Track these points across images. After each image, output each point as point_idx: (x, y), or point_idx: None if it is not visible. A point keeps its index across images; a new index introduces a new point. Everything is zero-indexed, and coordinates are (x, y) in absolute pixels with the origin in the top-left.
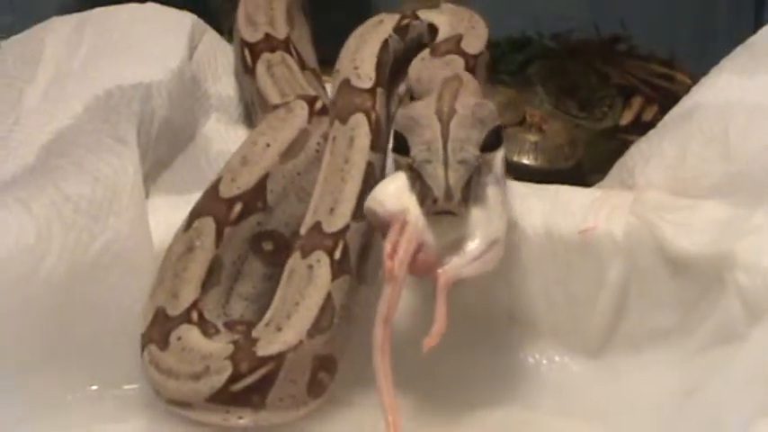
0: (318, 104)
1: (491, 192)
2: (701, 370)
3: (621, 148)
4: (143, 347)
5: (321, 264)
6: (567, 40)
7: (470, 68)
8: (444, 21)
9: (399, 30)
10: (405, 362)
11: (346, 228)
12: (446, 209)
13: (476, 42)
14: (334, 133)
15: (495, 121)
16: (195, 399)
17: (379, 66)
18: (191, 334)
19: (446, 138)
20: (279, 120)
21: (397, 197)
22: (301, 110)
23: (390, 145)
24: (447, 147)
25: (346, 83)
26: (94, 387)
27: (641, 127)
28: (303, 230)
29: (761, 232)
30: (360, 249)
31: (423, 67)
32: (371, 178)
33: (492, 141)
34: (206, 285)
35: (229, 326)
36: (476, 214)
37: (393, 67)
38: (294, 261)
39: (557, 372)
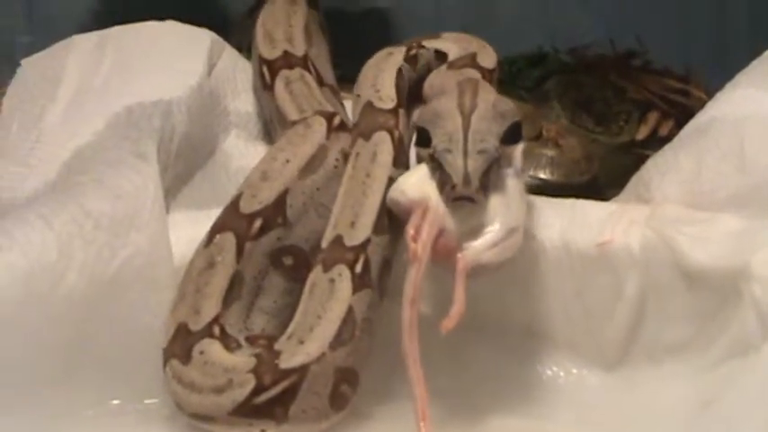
0: (336, 120)
1: (510, 183)
2: (717, 383)
3: (638, 163)
4: (165, 362)
5: (342, 277)
6: (583, 55)
7: (487, 81)
8: (451, 45)
9: (409, 59)
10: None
11: (367, 241)
12: (465, 194)
13: (489, 59)
14: (358, 149)
15: (515, 116)
16: (218, 412)
17: (399, 89)
18: (213, 348)
19: (467, 129)
20: (298, 136)
21: (419, 186)
22: (320, 126)
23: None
24: (468, 137)
25: (369, 104)
26: (116, 401)
27: (657, 142)
28: (324, 244)
29: None
30: (381, 263)
31: (436, 76)
32: None
33: (512, 135)
34: (227, 300)
35: (251, 340)
36: (495, 202)
37: (408, 95)
38: (316, 274)
39: (574, 384)
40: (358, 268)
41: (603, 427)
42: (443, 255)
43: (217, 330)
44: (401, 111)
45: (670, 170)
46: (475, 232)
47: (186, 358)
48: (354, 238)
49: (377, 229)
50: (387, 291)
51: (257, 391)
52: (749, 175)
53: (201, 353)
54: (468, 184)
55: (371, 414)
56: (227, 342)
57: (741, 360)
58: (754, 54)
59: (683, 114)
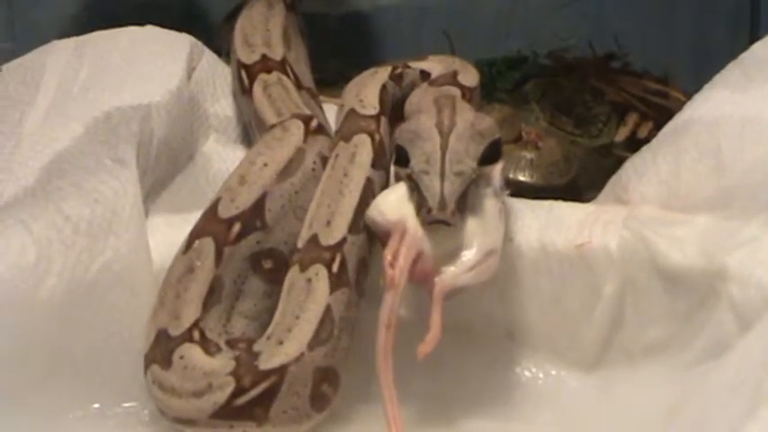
0: (314, 123)
1: (488, 203)
2: (694, 382)
3: (617, 165)
4: (146, 368)
5: (319, 277)
6: (562, 57)
7: (467, 100)
8: (435, 65)
9: (394, 77)
10: (403, 377)
11: (343, 240)
12: (440, 219)
13: (470, 78)
14: (337, 151)
15: (494, 134)
16: (199, 416)
17: (382, 101)
18: (193, 352)
19: (445, 150)
20: (275, 139)
21: (397, 207)
22: (297, 129)
23: (392, 159)
24: (445, 158)
25: (352, 111)
26: (96, 405)
27: (636, 144)
28: (300, 243)
29: (753, 245)
30: (357, 262)
31: (416, 94)
32: (370, 194)
33: (491, 154)
34: (207, 305)
35: (231, 344)
36: (472, 225)
37: (392, 113)
38: (293, 274)
39: (553, 386)
40: (335, 268)
41: (581, 428)
42: (420, 278)
43: (197, 335)
44: (383, 118)
45: (648, 171)
46: (452, 255)
47: (167, 363)
48: (330, 237)
49: (353, 228)
50: (364, 290)
51: (237, 393)
52: (726, 176)
53: (181, 357)
54: (443, 209)
55: (351, 416)
56: (207, 346)
57: (717, 360)
58: (733, 56)
59: (661, 116)
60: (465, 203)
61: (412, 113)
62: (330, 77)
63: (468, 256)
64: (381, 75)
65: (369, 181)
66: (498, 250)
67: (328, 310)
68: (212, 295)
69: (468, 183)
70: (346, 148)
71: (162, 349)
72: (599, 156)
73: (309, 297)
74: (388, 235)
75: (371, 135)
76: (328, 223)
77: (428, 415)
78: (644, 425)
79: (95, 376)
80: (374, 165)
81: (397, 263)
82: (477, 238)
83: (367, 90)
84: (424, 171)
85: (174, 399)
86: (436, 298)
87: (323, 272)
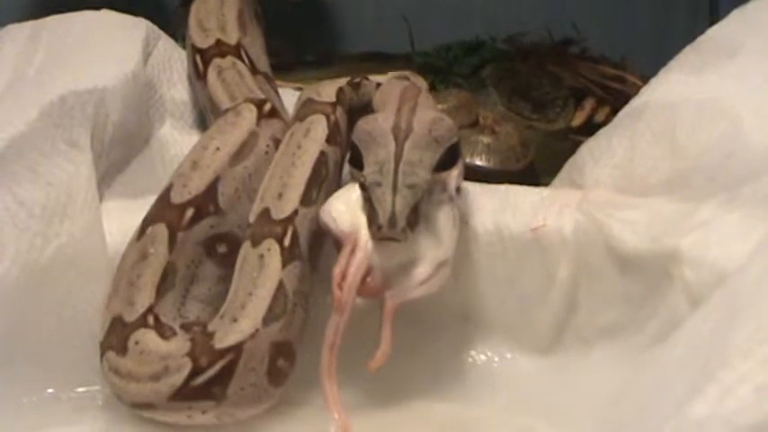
0: (267, 107)
1: (442, 211)
2: (644, 364)
3: (574, 149)
4: (102, 355)
5: (271, 252)
6: (520, 42)
7: None
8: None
9: (352, 84)
10: (356, 360)
11: (295, 213)
12: (390, 237)
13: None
14: (292, 130)
15: (451, 139)
16: (157, 399)
17: (339, 96)
18: (148, 337)
19: (399, 159)
20: (228, 123)
21: (350, 216)
22: (249, 113)
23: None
24: (398, 169)
25: (309, 99)
26: (50, 390)
27: (593, 128)
28: (252, 218)
29: (706, 227)
30: (310, 235)
31: (385, 85)
32: (324, 168)
33: (447, 160)
34: (161, 290)
35: (186, 327)
36: (424, 237)
37: (348, 116)
38: (245, 250)
39: (508, 369)
40: (286, 242)
41: (536, 411)
42: (370, 294)
43: (151, 320)
44: (340, 108)
45: (603, 155)
46: (403, 269)
47: (122, 350)
48: (281, 210)
49: (305, 200)
50: (318, 264)
51: (194, 373)
52: (681, 158)
53: (137, 343)
54: (394, 226)
55: (306, 401)
56: (162, 330)
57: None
58: (693, 41)
59: (619, 101)
60: (417, 215)
61: (378, 104)
62: (287, 62)
63: (420, 269)
64: (340, 81)
65: (322, 155)
66: (450, 260)
67: (281, 285)
68: (166, 281)
69: (421, 194)
70: (301, 126)
71: (117, 336)
72: (556, 140)
73: (262, 273)
74: (340, 243)
75: (327, 115)
76: (280, 196)
77: (382, 398)
78: (596, 407)
79: (49, 361)
80: (329, 140)
81: (345, 284)
82: (429, 251)
83: (325, 87)
84: (377, 182)
85: (132, 384)
86: (387, 315)
87: (275, 247)
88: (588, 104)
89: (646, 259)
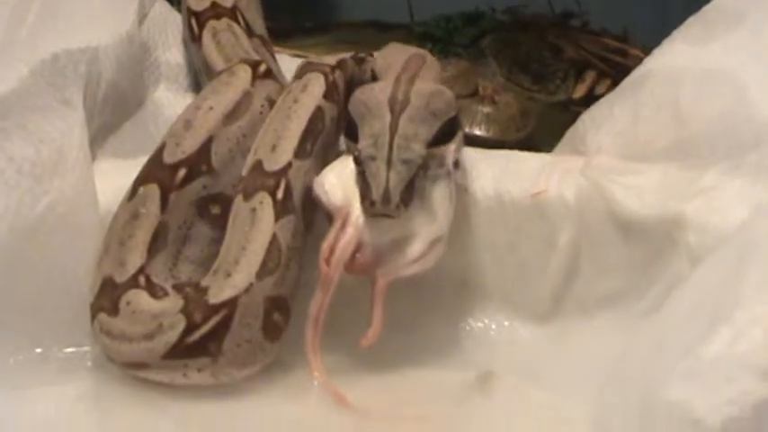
0: (262, 68)
1: (438, 187)
2: (645, 334)
3: (573, 121)
4: (93, 317)
5: (264, 205)
6: (521, 14)
7: None
8: None
9: (356, 58)
10: (352, 327)
11: (288, 165)
12: (383, 213)
13: None
14: (289, 88)
15: (450, 112)
16: (151, 358)
17: (342, 62)
18: (139, 297)
19: (394, 132)
20: (222, 83)
21: (342, 189)
22: (244, 73)
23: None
24: (393, 143)
25: (309, 62)
26: (38, 350)
27: (594, 101)
28: (245, 171)
29: (710, 193)
30: (304, 189)
31: (390, 48)
32: (320, 122)
33: (444, 134)
34: (152, 250)
35: (178, 288)
36: (418, 213)
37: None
38: (237, 204)
39: (506, 336)
40: (279, 194)
41: (532, 378)
42: (360, 271)
43: (142, 280)
44: (339, 72)
45: (605, 122)
46: (395, 246)
47: (114, 310)
48: (275, 162)
49: (299, 153)
50: (313, 221)
51: (189, 330)
52: (684, 126)
53: (128, 303)
54: (387, 202)
55: (295, 363)
56: (154, 291)
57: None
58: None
59: (620, 74)
60: (412, 191)
61: (382, 69)
62: (284, 29)
63: (413, 246)
64: (343, 54)
65: (319, 109)
66: (445, 236)
67: (274, 239)
68: (157, 241)
69: (416, 170)
70: (298, 83)
71: (108, 297)
72: (556, 112)
73: (254, 227)
74: (332, 215)
75: (325, 74)
76: (273, 148)
77: (376, 365)
78: (596, 374)
79: (38, 320)
80: (326, 96)
81: (333, 258)
82: (423, 227)
83: (327, 57)
84: (371, 156)
85: (125, 344)
86: (378, 293)
87: (267, 200)
88: (589, 77)
89: (649, 225)
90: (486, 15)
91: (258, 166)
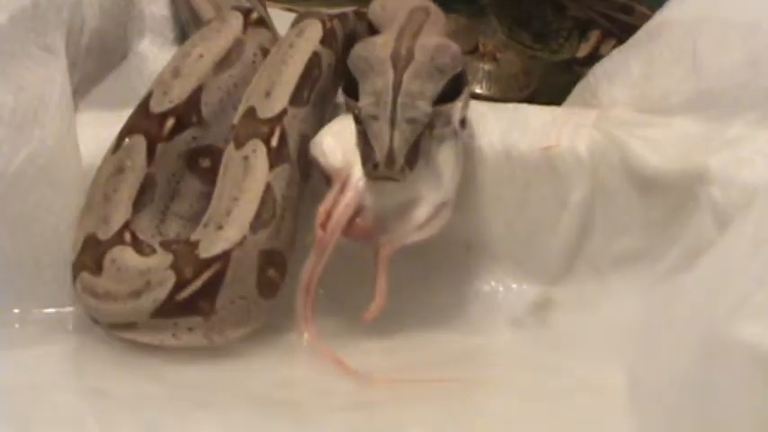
0: (254, 15)
1: (445, 147)
2: (668, 295)
3: (578, 81)
4: (75, 277)
5: (257, 153)
6: None
7: None
8: None
9: (358, 13)
10: (355, 292)
11: (284, 112)
12: (387, 176)
13: None
14: (286, 36)
15: (456, 67)
16: (139, 317)
17: (342, 14)
18: (125, 254)
19: (397, 90)
20: (212, 30)
21: (342, 151)
22: (235, 20)
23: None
24: (397, 101)
25: (306, 12)
26: (16, 310)
27: (599, 60)
28: (236, 119)
29: (736, 145)
30: (299, 137)
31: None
32: (317, 69)
33: (451, 91)
34: (138, 205)
35: (165, 245)
36: (424, 175)
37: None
38: (228, 153)
39: (514, 299)
40: (274, 142)
41: (543, 344)
42: (360, 236)
43: (128, 237)
44: (337, 21)
45: (619, 74)
46: (399, 210)
47: (97, 269)
48: (269, 109)
49: (295, 100)
50: (310, 172)
51: (179, 286)
52: (704, 78)
53: (113, 261)
54: (391, 164)
55: (289, 327)
56: (140, 247)
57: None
58: None
59: (625, 33)
60: (417, 151)
61: (382, 22)
62: None
63: (419, 211)
64: (344, 9)
65: (315, 55)
66: (452, 201)
67: (269, 188)
68: (144, 195)
69: (421, 129)
70: (294, 29)
71: (91, 255)
72: (559, 71)
73: (247, 176)
74: (330, 179)
75: (323, 21)
76: (267, 94)
77: (377, 330)
78: (612, 340)
79: (16, 278)
80: (323, 42)
81: (329, 223)
82: (429, 191)
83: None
84: (373, 116)
85: (110, 303)
86: (382, 262)
87: (261, 147)
88: (593, 36)
89: (669, 180)
90: None
91: (251, 112)
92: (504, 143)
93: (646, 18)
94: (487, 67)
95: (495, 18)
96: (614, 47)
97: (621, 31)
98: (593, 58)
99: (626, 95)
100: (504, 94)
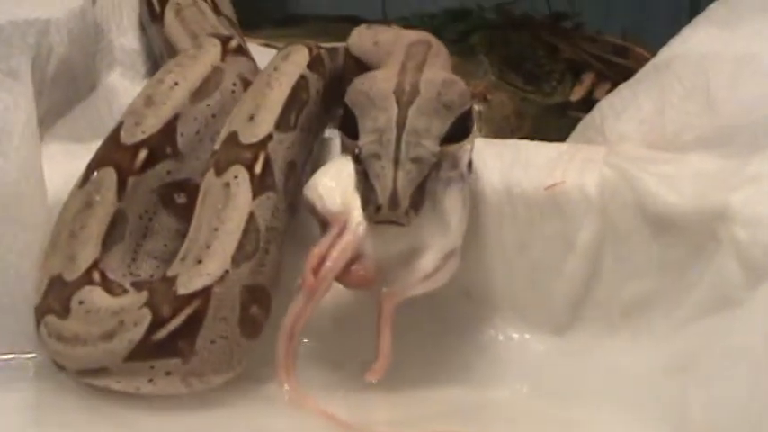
0: (233, 43)
1: (452, 191)
2: (693, 343)
3: (572, 125)
4: (39, 321)
5: (239, 180)
6: (510, 13)
7: None
8: None
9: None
10: (351, 343)
11: (269, 137)
12: (391, 219)
13: None
14: (269, 62)
15: (464, 104)
16: (112, 361)
17: (333, 48)
18: (94, 294)
19: (402, 127)
20: (188, 57)
21: (340, 193)
22: (213, 47)
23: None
24: (401, 139)
25: (290, 42)
26: None
27: (593, 104)
28: (217, 145)
29: (758, 182)
30: (286, 164)
31: (382, 30)
32: (304, 92)
33: (459, 130)
34: (107, 243)
35: (138, 286)
36: (430, 220)
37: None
38: (208, 180)
39: (516, 350)
40: (257, 169)
41: (549, 396)
42: (357, 284)
43: (97, 276)
44: (325, 52)
45: (627, 109)
46: (403, 258)
47: (64, 312)
48: (252, 134)
49: (281, 124)
50: (296, 202)
51: (155, 325)
52: (720, 114)
53: (81, 302)
54: (395, 207)
55: (268, 376)
56: (111, 287)
57: (720, 316)
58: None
59: (620, 76)
60: (423, 194)
61: (376, 60)
62: (253, 19)
63: (425, 260)
64: (335, 44)
65: (303, 78)
66: (459, 249)
67: (252, 218)
68: (114, 231)
69: (427, 170)
70: (279, 54)
71: (57, 297)
72: (553, 115)
73: (229, 205)
74: (327, 224)
75: (310, 48)
76: (251, 118)
77: (379, 384)
78: (628, 392)
79: None
80: (310, 67)
81: (322, 269)
82: (435, 238)
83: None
84: (375, 155)
85: (79, 347)
86: (385, 315)
87: (243, 174)
88: (587, 78)
89: (687, 219)
90: (474, 13)
91: (233, 137)
92: (505, 181)
93: (643, 60)
94: (478, 107)
95: (486, 58)
96: (608, 91)
97: (616, 74)
98: (588, 102)
99: (636, 131)
100: (497, 136)
